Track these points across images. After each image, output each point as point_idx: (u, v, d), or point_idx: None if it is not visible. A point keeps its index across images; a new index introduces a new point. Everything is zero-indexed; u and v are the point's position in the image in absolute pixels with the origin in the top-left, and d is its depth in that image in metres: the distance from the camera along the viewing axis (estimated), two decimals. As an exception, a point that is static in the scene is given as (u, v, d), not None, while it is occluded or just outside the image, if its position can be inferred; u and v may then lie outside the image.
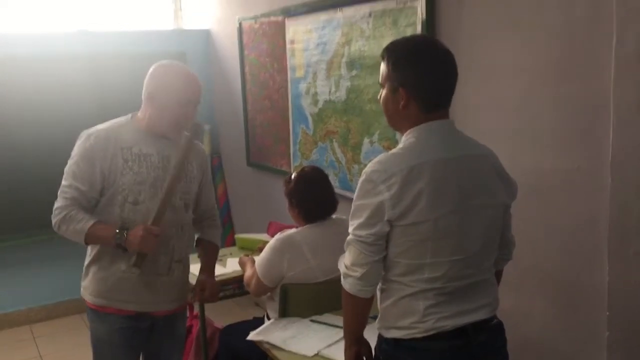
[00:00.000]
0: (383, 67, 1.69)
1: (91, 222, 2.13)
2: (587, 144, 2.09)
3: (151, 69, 2.23)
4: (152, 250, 2.14)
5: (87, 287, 2.29)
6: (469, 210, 1.63)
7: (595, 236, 2.10)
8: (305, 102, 3.69)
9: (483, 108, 2.46)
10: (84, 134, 2.21)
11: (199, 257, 2.50)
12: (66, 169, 2.21)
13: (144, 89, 2.22)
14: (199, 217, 2.44)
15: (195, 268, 2.50)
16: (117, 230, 2.12)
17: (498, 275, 1.86)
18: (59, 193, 2.20)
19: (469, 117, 2.39)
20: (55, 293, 4.59)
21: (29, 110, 4.25)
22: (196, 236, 2.47)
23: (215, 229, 2.51)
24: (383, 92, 1.70)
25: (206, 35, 5.01)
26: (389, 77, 1.67)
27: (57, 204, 2.19)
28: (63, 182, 2.20)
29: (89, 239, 2.16)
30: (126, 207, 2.18)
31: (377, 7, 2.96)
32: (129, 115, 2.29)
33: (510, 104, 2.36)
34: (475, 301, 1.68)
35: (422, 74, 1.63)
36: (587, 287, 2.16)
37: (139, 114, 2.27)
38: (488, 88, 2.44)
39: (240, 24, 4.39)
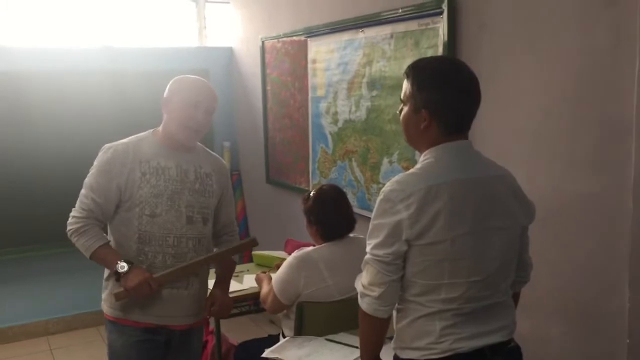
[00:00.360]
0: (406, 85, 1.69)
1: (100, 244, 2.19)
2: (609, 167, 2.07)
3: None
4: (139, 299, 2.19)
5: (106, 300, 2.32)
6: (486, 231, 1.62)
7: (615, 261, 2.07)
8: (325, 121, 3.71)
9: (502, 130, 2.46)
10: (105, 147, 2.26)
11: (215, 271, 2.51)
12: (86, 179, 2.26)
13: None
14: (218, 232, 2.47)
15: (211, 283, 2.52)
16: (120, 262, 2.16)
17: (515, 297, 1.85)
18: (77, 201, 2.25)
19: (488, 139, 2.39)
20: (73, 305, 4.62)
21: (52, 124, 4.32)
22: (215, 250, 2.48)
23: (233, 242, 2.52)
24: (404, 110, 1.70)
25: (229, 53, 5.07)
26: (412, 96, 1.66)
27: (74, 212, 2.24)
28: (82, 191, 2.25)
29: (94, 257, 2.21)
30: (144, 219, 2.22)
31: (399, 28, 2.98)
32: (151, 130, 2.34)
33: (529, 126, 2.35)
34: (492, 323, 1.67)
35: (447, 97, 1.63)
36: (607, 313, 2.13)
37: (159, 128, 2.32)
38: (508, 110, 2.44)
39: (262, 43, 4.44)
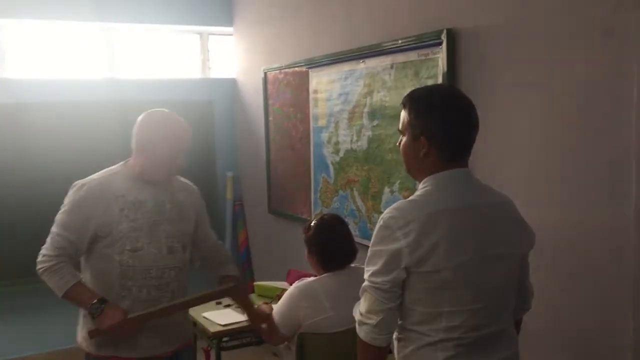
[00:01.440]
0: (404, 114, 1.70)
1: (74, 282, 2.15)
2: (610, 198, 2.06)
3: (140, 119, 2.27)
4: (114, 338, 2.17)
5: (86, 337, 2.26)
6: (487, 259, 1.61)
7: (619, 292, 2.05)
8: (327, 151, 3.73)
9: (502, 160, 2.46)
10: (77, 184, 2.24)
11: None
12: (57, 216, 2.22)
13: (133, 137, 2.26)
14: (208, 255, 2.48)
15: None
16: (95, 301, 2.13)
17: (517, 324, 1.82)
18: (48, 238, 2.20)
19: (488, 169, 2.39)
20: (57, 340, 4.46)
21: (56, 156, 4.33)
22: (220, 275, 2.48)
23: (230, 263, 2.54)
24: (403, 140, 1.71)
25: (232, 84, 5.12)
26: (410, 124, 1.67)
27: (44, 250, 2.19)
28: (53, 229, 2.20)
29: (67, 296, 2.16)
30: (125, 254, 2.20)
31: (399, 58, 3.01)
32: (122, 163, 2.32)
33: (530, 156, 2.35)
34: (495, 354, 1.64)
35: (444, 123, 1.64)
36: (611, 345, 2.10)
37: (131, 161, 2.30)
38: (508, 140, 2.44)
39: (265, 74, 4.49)
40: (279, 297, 2.83)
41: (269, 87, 4.47)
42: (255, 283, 3.72)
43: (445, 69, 2.68)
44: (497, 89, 2.47)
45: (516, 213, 1.72)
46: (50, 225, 2.22)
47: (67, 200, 2.23)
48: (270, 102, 4.48)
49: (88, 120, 4.43)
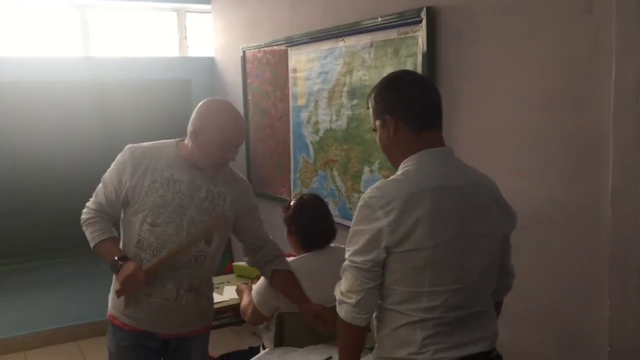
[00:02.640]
0: (370, 109, 1.74)
1: (102, 238, 2.27)
2: (587, 176, 2.08)
3: (198, 105, 2.27)
4: (132, 291, 2.22)
5: (110, 298, 2.36)
6: (468, 239, 1.61)
7: (595, 269, 2.07)
8: (307, 131, 3.70)
9: (481, 140, 2.46)
10: (127, 147, 2.30)
11: (283, 293, 2.44)
12: (105, 174, 2.32)
13: (189, 123, 2.25)
14: (256, 253, 2.46)
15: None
16: (116, 258, 2.21)
17: (498, 306, 1.84)
18: (94, 192, 2.34)
19: (467, 149, 2.38)
20: (51, 320, 4.54)
21: (33, 135, 4.26)
22: (270, 271, 2.43)
23: (278, 258, 2.45)
24: (377, 132, 1.73)
25: (210, 63, 5.05)
26: (375, 113, 1.72)
27: (88, 202, 2.35)
28: (99, 184, 2.33)
29: (96, 250, 2.30)
30: (144, 226, 2.23)
31: (379, 37, 2.98)
32: (175, 140, 2.33)
33: (508, 136, 2.35)
34: (474, 333, 1.65)
35: (403, 96, 1.67)
36: (587, 322, 2.12)
37: (185, 141, 2.29)
38: (486, 120, 2.44)
39: (244, 52, 4.43)
40: (258, 278, 2.82)
41: (248, 65, 4.41)
42: (234, 264, 3.71)
43: (425, 47, 2.66)
44: (477, 67, 2.46)
45: (498, 194, 1.72)
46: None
47: (115, 160, 2.30)
48: (249, 80, 4.43)
49: (64, 100, 4.36)
